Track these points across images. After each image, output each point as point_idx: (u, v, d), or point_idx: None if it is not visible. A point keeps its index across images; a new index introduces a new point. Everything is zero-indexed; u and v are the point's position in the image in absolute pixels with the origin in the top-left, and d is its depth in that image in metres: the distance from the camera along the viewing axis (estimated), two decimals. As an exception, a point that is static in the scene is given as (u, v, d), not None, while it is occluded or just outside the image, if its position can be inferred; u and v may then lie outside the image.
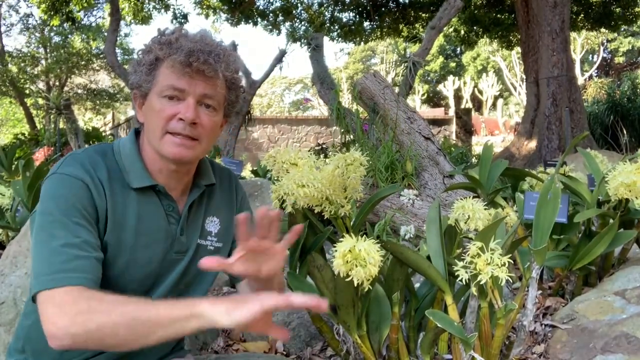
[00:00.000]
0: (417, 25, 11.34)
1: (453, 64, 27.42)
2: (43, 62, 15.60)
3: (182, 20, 10.26)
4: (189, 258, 1.13)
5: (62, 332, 0.87)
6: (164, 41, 1.03)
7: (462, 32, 11.30)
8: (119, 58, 7.87)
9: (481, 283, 1.21)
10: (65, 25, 11.88)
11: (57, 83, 16.61)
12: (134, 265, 1.05)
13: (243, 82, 1.14)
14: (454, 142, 11.58)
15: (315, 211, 1.42)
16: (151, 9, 10.29)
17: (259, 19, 11.10)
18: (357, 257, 1.08)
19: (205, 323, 0.85)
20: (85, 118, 17.97)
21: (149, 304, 0.89)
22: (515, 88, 20.71)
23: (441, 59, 27.31)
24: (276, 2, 11.19)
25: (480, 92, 22.13)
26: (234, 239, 1.22)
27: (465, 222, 1.39)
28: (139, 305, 0.88)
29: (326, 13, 11.41)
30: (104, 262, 1.02)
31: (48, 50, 15.72)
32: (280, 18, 11.24)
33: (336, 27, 11.39)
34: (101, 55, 14.96)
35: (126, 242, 1.04)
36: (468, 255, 1.22)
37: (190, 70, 1.01)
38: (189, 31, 1.06)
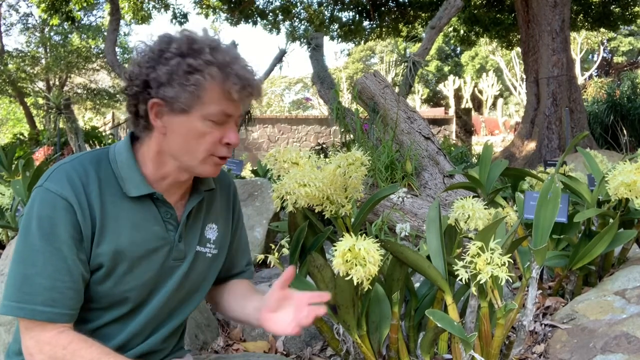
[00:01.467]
0: (417, 24, 11.35)
1: (447, 68, 27.48)
2: (43, 61, 15.60)
3: (182, 20, 10.26)
4: (188, 265, 1.11)
5: None
6: (219, 63, 0.97)
7: (462, 31, 11.30)
8: (118, 57, 7.86)
9: (481, 283, 1.21)
10: (65, 24, 11.87)
11: (57, 83, 16.62)
12: (131, 275, 1.04)
13: None
14: (454, 141, 11.58)
15: (316, 211, 1.42)
16: (151, 8, 10.29)
17: (258, 19, 11.10)
18: (356, 256, 1.08)
19: None
20: (85, 118, 17.96)
21: None
22: (515, 88, 20.72)
23: (436, 62, 27.35)
24: (275, 1, 11.20)
25: (480, 91, 22.13)
26: (229, 246, 1.23)
27: (465, 222, 1.39)
28: None
29: (326, 12, 11.42)
30: (100, 274, 1.02)
31: (48, 49, 15.73)
32: (280, 17, 11.24)
33: (336, 26, 11.39)
34: (101, 55, 14.96)
35: (122, 253, 1.02)
36: (468, 254, 1.22)
37: (238, 99, 1.00)
38: (232, 49, 1.03)
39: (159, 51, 0.98)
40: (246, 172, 5.08)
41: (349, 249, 1.08)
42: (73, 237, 0.98)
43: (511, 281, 1.24)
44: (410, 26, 11.37)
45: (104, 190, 1.02)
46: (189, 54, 0.97)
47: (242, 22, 11.03)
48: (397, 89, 4.66)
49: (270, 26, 11.30)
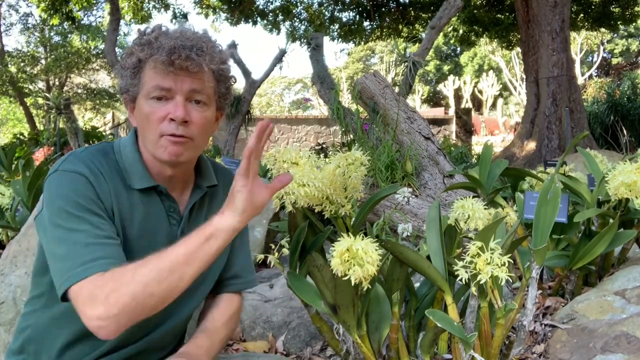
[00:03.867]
0: (417, 25, 11.35)
1: (447, 67, 27.53)
2: (43, 61, 15.59)
3: (182, 20, 10.26)
4: None
5: (104, 321, 0.87)
6: (144, 42, 1.01)
7: (462, 31, 11.29)
8: (118, 57, 7.86)
9: (481, 283, 1.21)
10: (65, 24, 11.88)
11: (57, 83, 16.61)
12: None
13: (232, 72, 1.10)
14: (454, 141, 11.58)
15: (316, 210, 1.42)
16: (151, 8, 10.29)
17: (258, 19, 11.10)
18: (354, 257, 1.07)
19: (224, 235, 0.93)
20: (85, 118, 17.96)
21: (166, 251, 0.92)
22: (515, 88, 20.72)
23: (435, 61, 27.39)
24: (276, 1, 11.20)
25: (480, 91, 22.13)
26: (232, 242, 1.22)
27: (465, 222, 1.39)
28: (159, 257, 0.91)
29: (326, 12, 11.42)
30: None
31: (47, 49, 15.73)
32: (280, 17, 11.24)
33: (336, 26, 11.39)
34: (101, 55, 14.96)
35: (130, 241, 1.03)
36: (468, 255, 1.22)
37: (174, 69, 0.98)
38: (169, 28, 1.04)
39: None
40: (246, 172, 5.07)
41: (347, 249, 1.08)
42: (99, 206, 0.98)
43: (511, 281, 1.24)
44: (410, 26, 11.36)
45: (114, 177, 1.03)
46: (129, 45, 1.04)
47: (242, 22, 11.03)
48: (397, 89, 4.66)
49: (270, 26, 11.30)
